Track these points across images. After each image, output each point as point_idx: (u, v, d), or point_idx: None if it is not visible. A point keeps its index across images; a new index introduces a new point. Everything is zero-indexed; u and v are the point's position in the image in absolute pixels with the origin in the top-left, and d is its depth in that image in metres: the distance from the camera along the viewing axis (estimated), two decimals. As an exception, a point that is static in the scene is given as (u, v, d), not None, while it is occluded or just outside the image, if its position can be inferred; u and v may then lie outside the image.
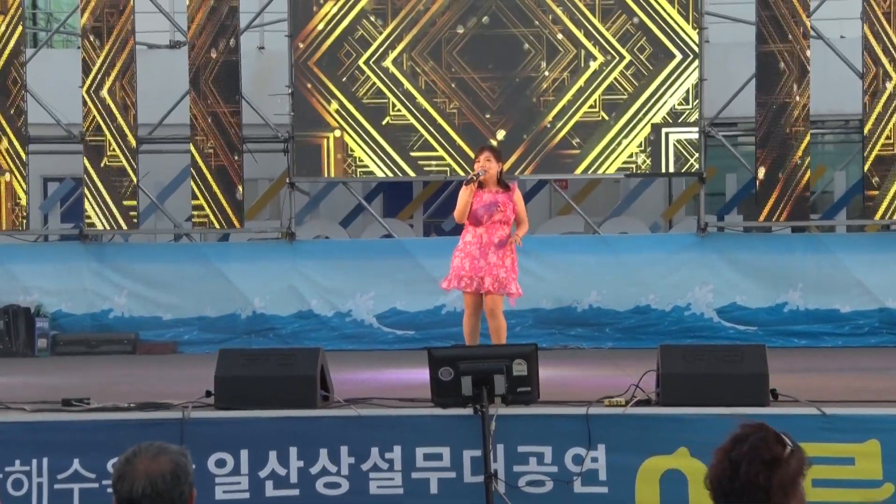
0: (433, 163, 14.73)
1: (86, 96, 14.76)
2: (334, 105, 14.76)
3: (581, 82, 14.59)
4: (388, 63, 14.77)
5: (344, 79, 14.78)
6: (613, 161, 14.58)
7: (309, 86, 14.78)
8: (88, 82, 14.76)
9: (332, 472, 7.61)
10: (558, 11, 14.60)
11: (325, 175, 14.97)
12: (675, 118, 14.50)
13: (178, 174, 15.50)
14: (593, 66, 14.58)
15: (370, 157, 14.73)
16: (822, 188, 16.27)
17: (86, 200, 14.79)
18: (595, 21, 14.56)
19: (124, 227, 14.87)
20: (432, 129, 14.69)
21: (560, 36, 14.62)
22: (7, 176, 14.83)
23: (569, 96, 14.60)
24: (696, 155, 14.48)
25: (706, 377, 7.68)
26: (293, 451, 7.62)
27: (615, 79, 14.56)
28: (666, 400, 7.68)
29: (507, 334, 10.46)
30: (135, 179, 14.77)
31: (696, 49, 14.47)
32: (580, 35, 14.58)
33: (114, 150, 14.77)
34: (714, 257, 14.50)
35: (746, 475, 3.82)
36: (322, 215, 16.21)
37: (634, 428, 7.56)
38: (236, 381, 7.85)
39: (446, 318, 14.27)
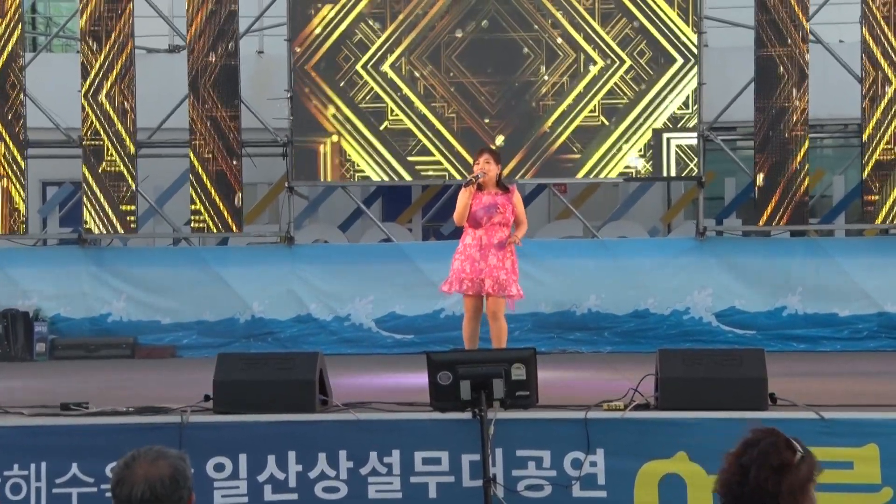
0: (431, 168, 14.72)
1: (84, 101, 14.75)
2: (331, 110, 14.75)
3: (581, 87, 14.58)
4: (386, 67, 14.75)
5: (342, 83, 14.76)
6: (614, 166, 14.57)
7: (306, 90, 14.78)
8: (86, 86, 14.76)
9: (331, 477, 7.60)
10: (558, 15, 14.59)
11: (323, 180, 14.96)
12: (675, 123, 14.50)
13: (178, 178, 15.50)
14: (593, 70, 14.57)
15: (367, 163, 14.72)
16: (821, 192, 16.27)
17: (84, 206, 14.78)
18: (595, 24, 14.56)
19: (122, 232, 14.86)
20: (430, 135, 14.67)
21: (559, 40, 14.61)
22: (4, 181, 14.83)
23: (569, 101, 14.59)
24: (696, 159, 14.48)
25: (705, 381, 7.67)
26: (292, 455, 7.61)
27: (615, 84, 14.55)
28: (665, 404, 7.67)
29: (506, 338, 10.46)
30: (133, 185, 14.76)
31: (696, 53, 14.46)
32: (580, 38, 14.57)
33: (112, 155, 14.75)
34: (713, 261, 14.50)
35: (756, 480, 3.83)
36: (321, 219, 16.21)
37: (633, 432, 7.55)
38: (235, 386, 7.84)
39: (445, 322, 14.27)
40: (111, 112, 14.75)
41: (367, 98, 14.75)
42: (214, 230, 14.78)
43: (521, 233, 10.47)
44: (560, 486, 7.51)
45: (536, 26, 14.63)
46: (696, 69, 14.44)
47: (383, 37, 14.75)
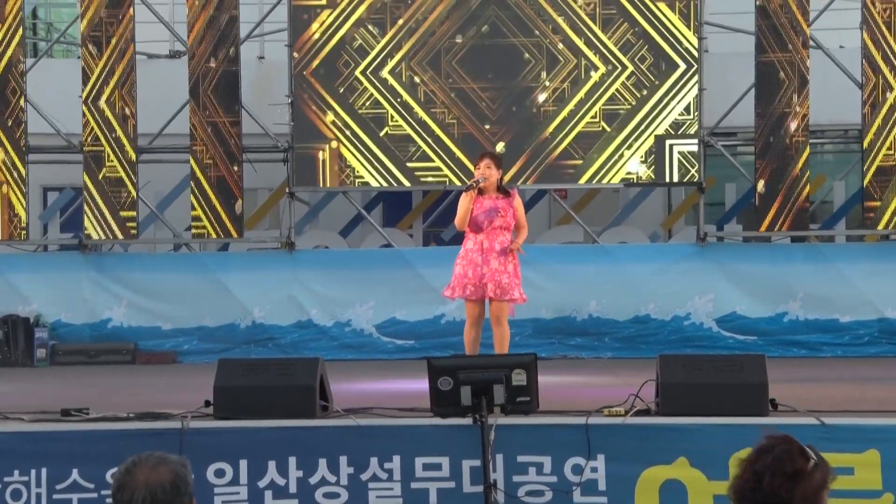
0: (431, 174, 14.71)
1: (84, 106, 14.75)
2: (330, 116, 14.74)
3: (582, 93, 14.56)
4: (385, 73, 14.74)
5: (341, 90, 14.74)
6: (616, 172, 14.56)
7: (305, 96, 14.77)
8: (87, 92, 14.76)
9: (332, 482, 7.60)
10: (559, 20, 14.58)
11: (323, 186, 14.96)
12: (676, 129, 14.48)
13: (178, 184, 15.50)
14: (594, 76, 14.55)
15: (366, 169, 14.71)
16: (822, 198, 16.27)
17: (84, 212, 14.78)
18: (596, 30, 14.54)
19: (122, 238, 14.86)
20: (430, 141, 14.66)
21: (560, 45, 14.60)
22: (4, 187, 14.83)
23: (570, 107, 14.57)
24: (697, 165, 14.47)
25: (706, 387, 7.68)
26: (292, 460, 7.61)
27: (617, 89, 14.54)
28: (665, 410, 7.68)
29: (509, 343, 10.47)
30: (133, 192, 14.75)
31: (697, 58, 14.46)
32: (581, 44, 14.55)
33: (112, 161, 14.75)
34: (713, 267, 14.50)
35: (770, 487, 3.83)
36: (321, 225, 16.20)
37: (634, 438, 7.55)
38: (235, 391, 7.84)
39: (446, 327, 14.26)
40: (112, 118, 14.75)
41: (367, 104, 14.74)
42: (215, 236, 14.77)
43: (522, 237, 10.48)
44: (561, 491, 7.51)
45: (537, 32, 14.62)
46: (697, 75, 14.43)
47: (383, 42, 14.74)
